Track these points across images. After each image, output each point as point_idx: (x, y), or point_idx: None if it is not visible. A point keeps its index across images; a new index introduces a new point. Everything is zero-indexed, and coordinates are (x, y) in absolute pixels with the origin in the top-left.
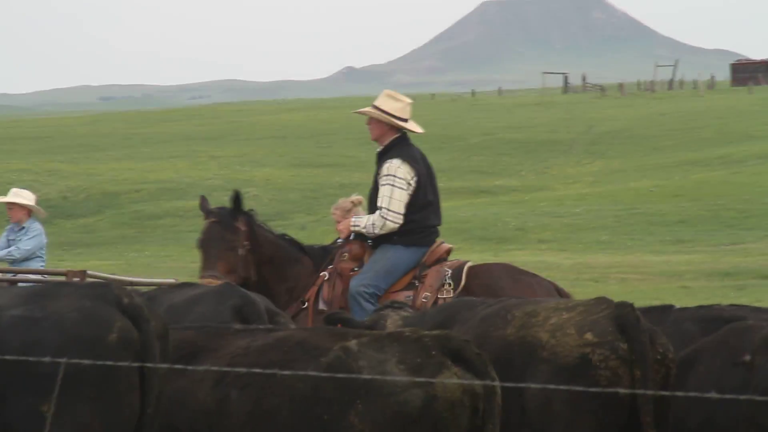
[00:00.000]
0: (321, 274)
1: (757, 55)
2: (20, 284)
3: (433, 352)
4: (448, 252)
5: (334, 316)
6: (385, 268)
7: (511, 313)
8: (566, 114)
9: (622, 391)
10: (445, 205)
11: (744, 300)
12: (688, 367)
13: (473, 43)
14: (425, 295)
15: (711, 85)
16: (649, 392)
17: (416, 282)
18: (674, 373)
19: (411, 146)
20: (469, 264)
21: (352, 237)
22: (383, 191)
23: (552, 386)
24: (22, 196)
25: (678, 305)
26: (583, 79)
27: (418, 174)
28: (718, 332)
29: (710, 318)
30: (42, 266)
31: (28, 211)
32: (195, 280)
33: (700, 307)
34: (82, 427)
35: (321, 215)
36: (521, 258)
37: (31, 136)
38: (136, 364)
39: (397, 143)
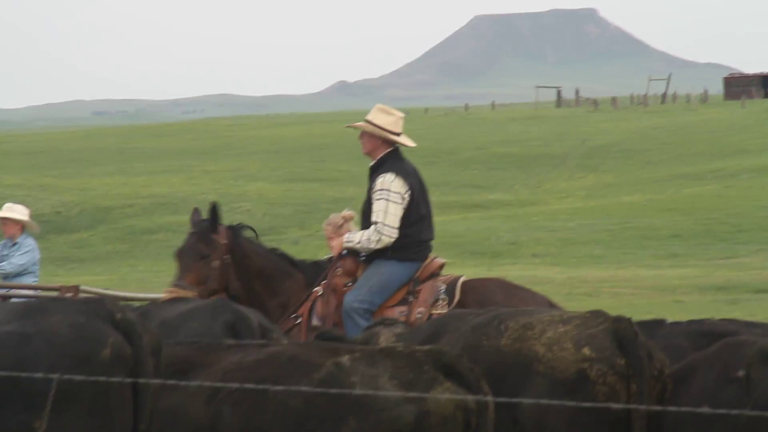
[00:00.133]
0: (314, 289)
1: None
2: (13, 300)
3: (426, 367)
4: (441, 267)
5: (326, 335)
6: (379, 283)
7: (505, 323)
8: (559, 128)
9: (614, 406)
10: (439, 220)
11: (737, 314)
12: (681, 382)
13: (466, 58)
14: (419, 311)
15: (704, 98)
16: (642, 407)
17: (410, 297)
18: (670, 389)
19: (404, 160)
20: (462, 279)
21: (344, 253)
22: (378, 206)
23: (544, 401)
24: (16, 211)
25: (671, 319)
26: (577, 93)
27: (412, 188)
28: (711, 348)
29: (702, 332)
30: (35, 282)
31: (21, 226)
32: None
33: (692, 321)
34: None
35: (314, 230)
36: (514, 272)
37: (24, 151)
38: (129, 380)
39: (389, 157)
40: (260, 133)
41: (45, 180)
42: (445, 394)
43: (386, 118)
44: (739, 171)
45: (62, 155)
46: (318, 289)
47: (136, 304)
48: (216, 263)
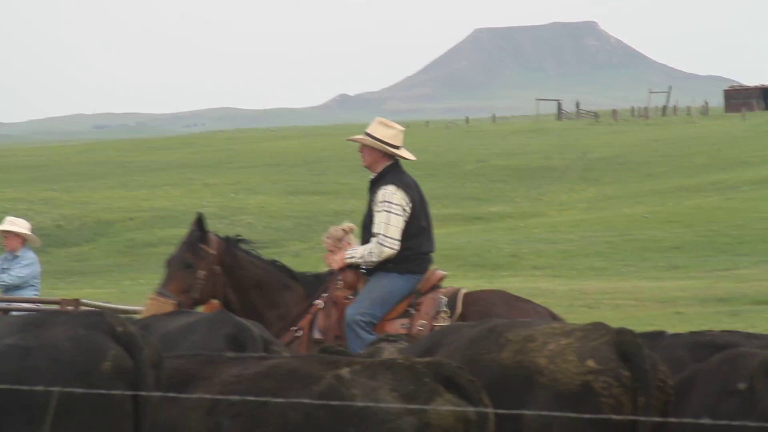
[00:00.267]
0: (316, 302)
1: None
2: (13, 313)
3: (426, 379)
4: (442, 279)
5: (329, 349)
6: (380, 296)
7: (504, 336)
8: (560, 140)
9: (615, 417)
10: (439, 232)
11: (738, 326)
12: (681, 394)
13: (467, 70)
14: (421, 323)
15: (704, 111)
16: (642, 418)
17: (411, 310)
18: (673, 400)
19: (404, 173)
20: (464, 291)
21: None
22: (379, 218)
23: (545, 413)
24: (17, 225)
25: (672, 331)
26: (577, 105)
27: (413, 200)
28: (710, 359)
29: (702, 344)
30: (36, 295)
31: (22, 239)
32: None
33: (692, 333)
34: None
35: (315, 242)
36: (515, 284)
37: (25, 164)
38: (129, 393)
39: (389, 170)
40: (261, 147)
41: (46, 193)
42: (445, 406)
43: (386, 132)
44: (739, 183)
45: (63, 169)
46: (319, 302)
47: (137, 317)
48: (202, 273)
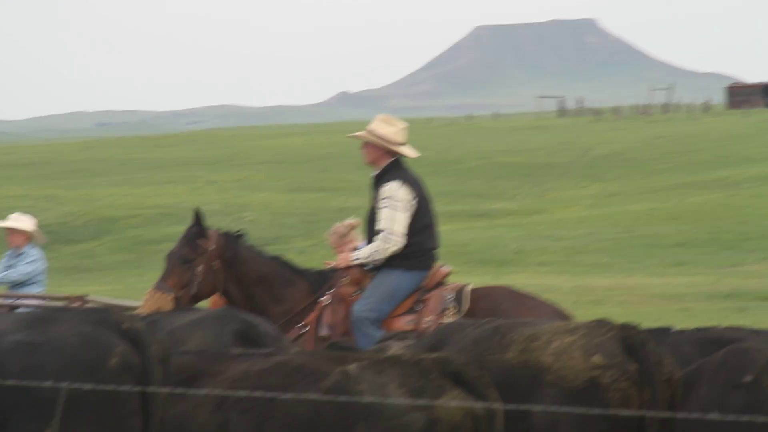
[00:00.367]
0: (322, 298)
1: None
2: (20, 309)
3: (433, 375)
4: (447, 275)
5: (337, 345)
6: (387, 292)
7: (508, 336)
8: (562, 137)
9: (624, 413)
10: (444, 229)
11: (745, 322)
12: (687, 389)
13: (468, 68)
14: (428, 320)
15: (706, 108)
16: (651, 413)
17: (418, 306)
18: (680, 393)
19: (407, 169)
20: (470, 287)
21: None
22: (383, 213)
23: (554, 408)
24: (22, 222)
25: (679, 327)
26: (579, 102)
27: (417, 196)
28: (716, 354)
29: (708, 340)
30: (41, 292)
31: (27, 236)
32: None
33: (699, 329)
34: None
35: (319, 239)
36: (521, 281)
37: (28, 162)
38: (137, 389)
39: (392, 167)
40: (264, 144)
41: (50, 191)
42: (453, 402)
43: (388, 129)
44: (743, 180)
45: (66, 166)
46: (325, 299)
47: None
48: (200, 268)
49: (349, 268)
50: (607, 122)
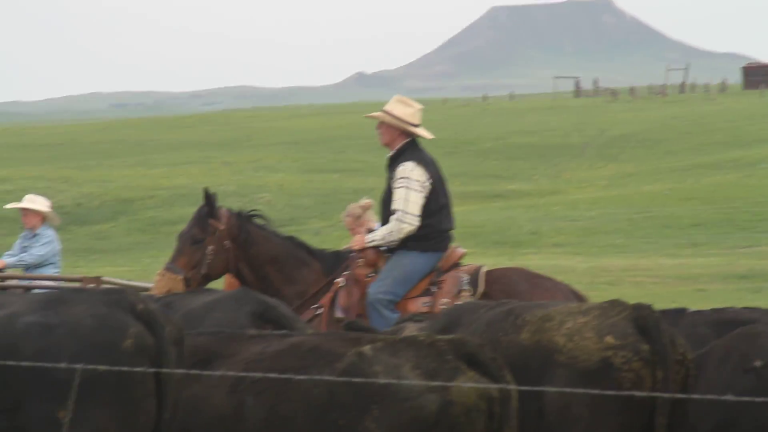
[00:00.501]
0: (337, 280)
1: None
2: (35, 291)
3: (448, 357)
4: (462, 257)
5: (353, 325)
6: (402, 274)
7: (521, 317)
8: (578, 118)
9: (637, 394)
10: (459, 210)
11: (760, 302)
12: (698, 370)
13: (484, 48)
14: (443, 301)
15: (722, 88)
16: (665, 395)
17: (433, 288)
18: (693, 374)
19: (422, 150)
20: (485, 269)
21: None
22: (398, 194)
23: (568, 389)
24: (36, 202)
25: (694, 308)
26: (595, 83)
27: (432, 177)
28: (726, 337)
29: (724, 321)
30: (56, 273)
31: (42, 217)
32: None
33: (714, 310)
34: None
35: (335, 220)
36: (536, 262)
37: (44, 143)
38: (151, 370)
39: (408, 147)
40: (280, 125)
41: (65, 172)
42: (468, 384)
43: (405, 109)
44: (758, 160)
45: (82, 147)
46: (340, 280)
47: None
48: (210, 248)
49: (364, 249)
50: (623, 102)
